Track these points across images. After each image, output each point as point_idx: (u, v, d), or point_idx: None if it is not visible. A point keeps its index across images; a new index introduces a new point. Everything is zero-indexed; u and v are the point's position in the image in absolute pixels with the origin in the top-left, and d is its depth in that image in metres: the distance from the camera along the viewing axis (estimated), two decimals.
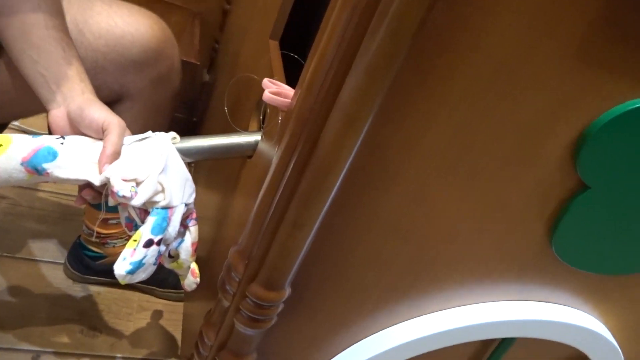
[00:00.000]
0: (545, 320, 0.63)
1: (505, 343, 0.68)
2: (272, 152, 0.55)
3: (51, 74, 0.60)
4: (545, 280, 0.62)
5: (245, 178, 0.66)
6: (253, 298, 0.55)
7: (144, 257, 0.57)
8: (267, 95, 0.54)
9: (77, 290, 1.00)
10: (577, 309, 0.67)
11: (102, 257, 0.98)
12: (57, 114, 0.60)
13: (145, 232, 0.57)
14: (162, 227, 0.58)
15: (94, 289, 1.01)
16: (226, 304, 0.59)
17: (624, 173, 0.50)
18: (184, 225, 0.64)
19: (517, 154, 0.49)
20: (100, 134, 0.58)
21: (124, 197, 0.55)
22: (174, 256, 0.67)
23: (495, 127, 0.47)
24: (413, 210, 0.52)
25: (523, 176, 0.51)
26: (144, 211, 0.60)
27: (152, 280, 1.03)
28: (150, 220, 0.58)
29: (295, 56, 0.59)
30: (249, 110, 0.71)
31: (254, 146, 0.64)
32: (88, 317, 0.97)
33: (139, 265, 0.57)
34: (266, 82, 0.56)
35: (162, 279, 1.04)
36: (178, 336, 1.01)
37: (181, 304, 1.06)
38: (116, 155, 0.57)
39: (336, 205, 0.48)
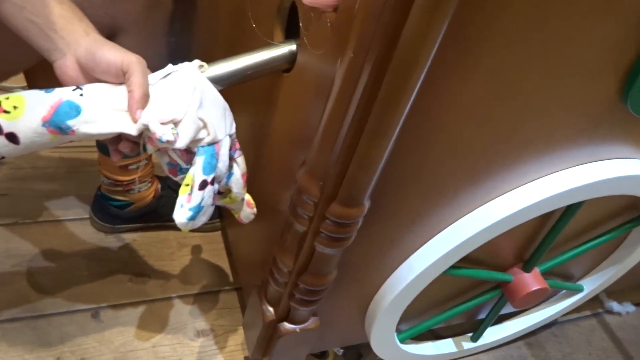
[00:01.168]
0: (615, 177, 0.63)
1: (572, 208, 0.67)
2: (324, 61, 0.50)
3: (44, 19, 0.52)
4: (614, 137, 0.60)
5: (286, 94, 0.61)
6: (334, 218, 0.52)
7: (202, 199, 0.54)
8: None
9: (111, 241, 0.97)
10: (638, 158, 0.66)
11: (129, 204, 0.95)
12: (65, 64, 0.53)
13: (197, 173, 0.53)
14: (212, 165, 0.54)
15: (128, 236, 0.99)
16: (301, 228, 0.57)
17: None
18: (230, 158, 0.60)
19: (595, 7, 0.45)
20: (120, 77, 0.52)
21: (167, 141, 0.50)
22: (223, 192, 0.63)
23: None
24: (492, 89, 0.48)
25: (600, 32, 0.48)
26: (186, 151, 0.55)
27: None
28: (199, 160, 0.53)
29: None
30: (267, 19, 0.64)
31: (289, 58, 0.58)
32: (132, 265, 0.95)
33: (198, 210, 0.54)
34: None
35: None
36: (224, 265, 1.00)
37: (218, 233, 1.05)
38: (146, 97, 0.51)
39: (416, 101, 0.44)
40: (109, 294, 0.90)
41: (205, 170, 0.53)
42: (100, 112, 0.51)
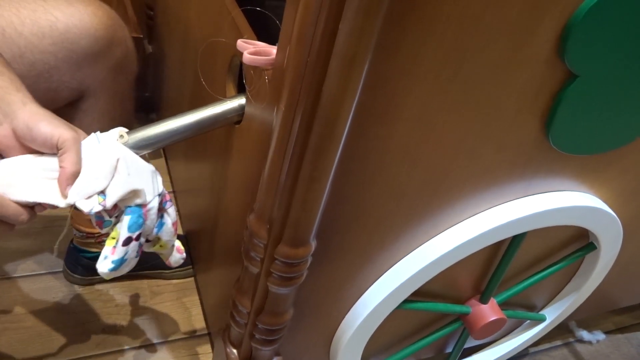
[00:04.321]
0: (551, 209, 0.67)
1: (517, 239, 0.71)
2: (266, 113, 0.54)
3: None
4: (545, 171, 0.65)
5: (238, 144, 0.65)
6: (282, 259, 0.56)
7: (125, 253, 0.58)
8: (247, 57, 0.52)
9: (85, 293, 0.99)
10: (576, 191, 0.70)
11: None
12: (2, 133, 0.53)
13: (123, 231, 0.56)
14: (138, 224, 0.57)
15: (101, 287, 1.01)
16: (255, 270, 0.60)
17: (609, 56, 0.52)
18: (160, 209, 0.63)
19: (507, 56, 0.50)
20: (54, 150, 0.53)
21: (96, 213, 0.54)
22: (152, 240, 0.66)
23: (484, 35, 0.48)
24: (419, 134, 0.53)
25: (514, 77, 0.52)
26: (114, 206, 0.57)
27: (158, 265, 1.03)
28: (126, 219, 0.56)
29: (265, 11, 0.57)
30: (220, 75, 0.69)
31: (239, 111, 0.62)
32: (105, 315, 0.97)
33: (121, 262, 0.58)
34: (242, 43, 0.54)
35: None
36: (197, 311, 1.02)
37: (191, 279, 1.07)
38: (77, 175, 0.53)
39: (347, 148, 0.49)
40: (83, 345, 0.91)
41: (131, 229, 0.57)
42: (27, 179, 0.53)
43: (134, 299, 1.01)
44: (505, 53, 0.50)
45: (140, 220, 0.57)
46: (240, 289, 0.64)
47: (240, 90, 0.67)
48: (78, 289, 0.99)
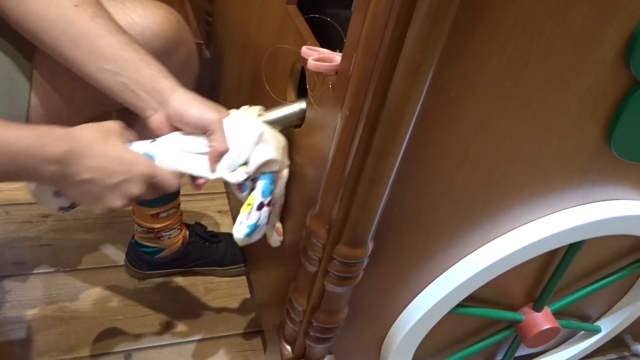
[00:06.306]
0: (611, 217, 0.66)
1: (573, 248, 0.70)
2: (328, 117, 0.56)
3: (135, 81, 0.58)
4: (605, 179, 0.64)
5: (297, 146, 0.67)
6: (340, 258, 0.57)
7: (258, 219, 0.62)
8: (312, 63, 0.54)
9: (144, 287, 1.04)
10: (637, 200, 0.69)
11: (159, 250, 1.01)
12: (158, 119, 0.60)
13: (257, 196, 0.62)
14: (270, 189, 0.63)
15: (158, 282, 1.05)
16: (312, 269, 0.62)
17: None
18: None
19: (570, 63, 0.50)
20: (204, 131, 0.60)
21: (241, 182, 0.61)
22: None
23: (548, 43, 0.48)
24: (478, 138, 0.53)
25: (577, 83, 0.53)
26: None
27: (212, 262, 1.07)
28: (260, 184, 0.62)
29: (328, 19, 0.59)
30: (281, 80, 0.72)
31: (300, 115, 0.65)
32: (161, 309, 1.01)
33: (254, 227, 0.62)
34: (306, 50, 0.56)
35: (221, 258, 1.07)
36: (249, 308, 1.05)
37: (243, 277, 1.10)
38: (224, 153, 0.60)
39: (407, 151, 0.50)
40: (141, 337, 0.95)
41: (264, 194, 0.62)
42: (173, 155, 0.59)
43: (189, 294, 1.05)
44: (568, 60, 0.50)
45: (272, 187, 0.63)
46: (296, 287, 0.66)
47: (300, 95, 0.69)
48: (138, 282, 1.04)
